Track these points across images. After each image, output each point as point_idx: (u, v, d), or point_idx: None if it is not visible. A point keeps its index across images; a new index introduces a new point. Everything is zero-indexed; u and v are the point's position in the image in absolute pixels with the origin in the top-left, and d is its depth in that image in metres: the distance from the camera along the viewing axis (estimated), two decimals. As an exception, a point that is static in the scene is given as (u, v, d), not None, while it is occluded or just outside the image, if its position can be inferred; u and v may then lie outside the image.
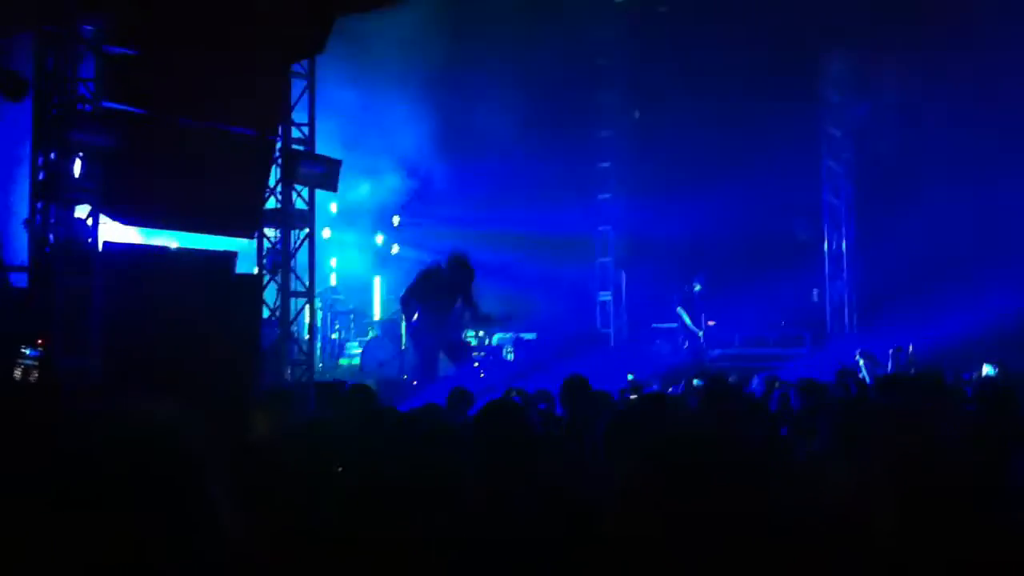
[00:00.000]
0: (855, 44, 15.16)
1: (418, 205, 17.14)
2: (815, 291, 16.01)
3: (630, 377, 9.23)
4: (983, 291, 12.73)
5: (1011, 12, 12.93)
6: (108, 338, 7.05)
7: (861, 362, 9.59)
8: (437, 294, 11.10)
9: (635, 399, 6.11)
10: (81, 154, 7.38)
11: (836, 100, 15.60)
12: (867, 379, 8.95)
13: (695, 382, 7.71)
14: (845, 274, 15.55)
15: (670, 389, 8.30)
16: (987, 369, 9.20)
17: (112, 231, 8.25)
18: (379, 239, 17.43)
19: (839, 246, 15.63)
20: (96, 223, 7.50)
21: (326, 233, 15.88)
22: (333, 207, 15.77)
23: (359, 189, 15.85)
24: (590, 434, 4.54)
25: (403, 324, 12.37)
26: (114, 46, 7.67)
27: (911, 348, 11.47)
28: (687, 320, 14.98)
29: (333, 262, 16.70)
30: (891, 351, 10.12)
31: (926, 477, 2.54)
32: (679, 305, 15.14)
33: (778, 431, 5.73)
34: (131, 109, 7.76)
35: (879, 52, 14.93)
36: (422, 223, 17.29)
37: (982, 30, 13.21)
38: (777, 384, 7.77)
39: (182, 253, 9.12)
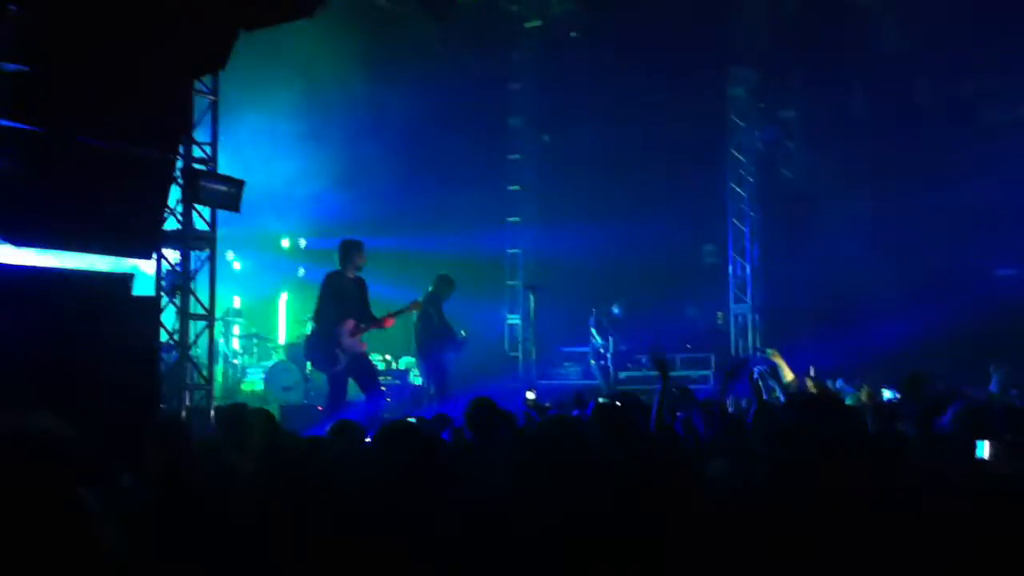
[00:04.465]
0: (759, 69, 15.50)
1: (327, 228, 16.95)
2: (719, 314, 16.23)
3: (529, 396, 9.15)
4: (884, 312, 13.05)
5: (908, 35, 13.36)
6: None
7: (760, 383, 9.66)
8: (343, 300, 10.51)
9: (541, 422, 6.07)
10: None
11: (741, 124, 15.90)
12: (780, 396, 9.02)
13: (601, 400, 7.70)
14: (749, 297, 15.80)
15: (575, 412, 8.28)
16: (887, 393, 9.35)
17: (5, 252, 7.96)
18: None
19: (743, 269, 15.89)
20: (-11, 244, 7.24)
21: (229, 256, 15.60)
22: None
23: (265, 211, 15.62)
24: (496, 454, 4.48)
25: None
26: (9, 63, 7.40)
27: (812, 370, 11.66)
28: (598, 341, 15.08)
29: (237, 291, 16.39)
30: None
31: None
32: (593, 326, 15.22)
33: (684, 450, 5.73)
34: (26, 127, 7.50)
35: (782, 77, 15.30)
36: (330, 246, 17.08)
37: (879, 55, 13.63)
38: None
39: (76, 274, 8.82)
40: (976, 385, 9.13)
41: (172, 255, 9.31)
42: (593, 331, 15.19)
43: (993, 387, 8.62)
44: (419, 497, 3.23)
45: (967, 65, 13.16)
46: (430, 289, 12.10)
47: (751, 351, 15.40)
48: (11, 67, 7.41)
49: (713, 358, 15.09)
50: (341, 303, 10.31)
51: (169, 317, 9.19)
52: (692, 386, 10.84)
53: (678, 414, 6.87)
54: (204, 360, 9.88)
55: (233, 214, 9.76)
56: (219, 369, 13.33)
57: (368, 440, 5.51)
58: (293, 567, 2.93)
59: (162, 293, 9.07)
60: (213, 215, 9.40)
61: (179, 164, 8.90)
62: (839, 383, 9.73)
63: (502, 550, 2.88)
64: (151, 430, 5.00)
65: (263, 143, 14.35)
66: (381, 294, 10.86)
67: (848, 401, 7.86)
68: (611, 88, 15.56)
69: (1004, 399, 7.85)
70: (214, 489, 3.43)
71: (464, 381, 12.05)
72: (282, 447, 4.89)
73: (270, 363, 15.05)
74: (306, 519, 3.09)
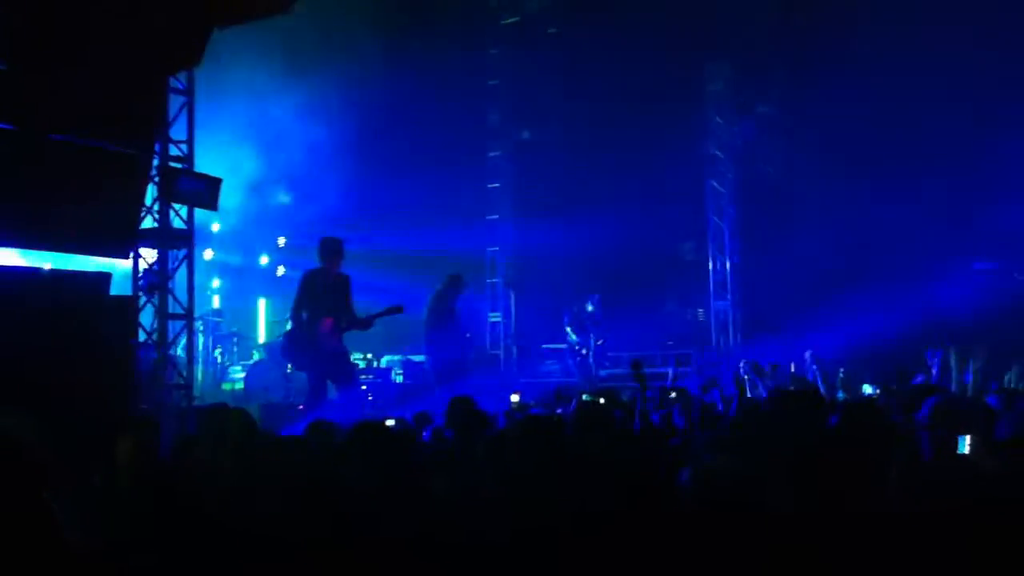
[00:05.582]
0: (737, 64, 15.51)
1: (304, 226, 16.88)
2: (700, 310, 16.25)
3: (514, 398, 9.17)
4: (862, 308, 13.06)
5: (887, 32, 13.38)
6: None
7: (746, 378, 9.67)
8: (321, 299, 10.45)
9: (520, 420, 6.07)
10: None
11: (718, 121, 15.92)
12: (762, 392, 9.02)
13: (584, 397, 7.70)
14: (729, 293, 15.82)
15: (559, 409, 8.27)
16: (868, 388, 9.37)
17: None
18: (264, 260, 17.09)
19: (723, 265, 15.90)
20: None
21: (208, 254, 15.51)
22: (215, 227, 15.45)
23: (243, 208, 15.56)
24: (475, 452, 4.46)
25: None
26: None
27: (793, 366, 11.69)
28: (573, 339, 15.09)
29: (216, 283, 16.33)
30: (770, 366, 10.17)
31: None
32: (568, 324, 15.21)
33: (663, 445, 5.73)
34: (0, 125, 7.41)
35: (760, 73, 15.31)
36: (309, 245, 17.01)
37: (858, 52, 13.64)
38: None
39: (52, 274, 8.73)
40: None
41: (149, 254, 9.23)
42: (568, 330, 15.19)
43: (967, 377, 8.65)
44: (391, 495, 3.21)
45: (945, 58, 13.17)
46: (439, 288, 12.11)
47: (731, 347, 15.44)
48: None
49: (694, 354, 15.12)
50: (320, 301, 10.24)
51: (147, 317, 9.12)
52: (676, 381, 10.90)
53: (655, 412, 6.88)
54: (184, 360, 9.81)
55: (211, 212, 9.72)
56: (199, 369, 13.25)
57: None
58: (266, 564, 2.90)
59: (140, 293, 8.98)
60: (190, 213, 9.33)
61: (155, 162, 8.82)
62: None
63: (479, 546, 2.86)
64: (122, 429, 4.96)
65: (241, 141, 14.29)
66: (359, 291, 10.79)
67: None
68: (589, 84, 15.55)
69: (979, 390, 7.88)
70: (187, 487, 3.40)
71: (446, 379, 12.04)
72: (258, 446, 4.85)
73: (250, 362, 14.98)
74: (279, 517, 3.06)
